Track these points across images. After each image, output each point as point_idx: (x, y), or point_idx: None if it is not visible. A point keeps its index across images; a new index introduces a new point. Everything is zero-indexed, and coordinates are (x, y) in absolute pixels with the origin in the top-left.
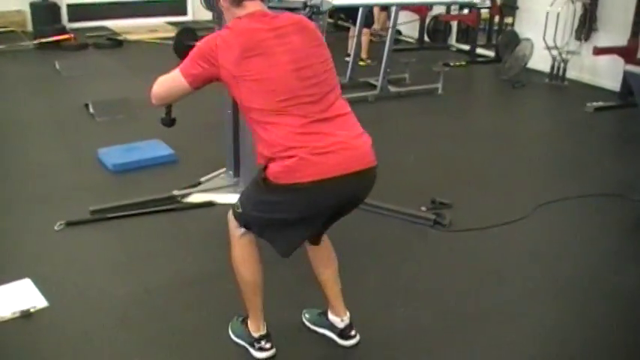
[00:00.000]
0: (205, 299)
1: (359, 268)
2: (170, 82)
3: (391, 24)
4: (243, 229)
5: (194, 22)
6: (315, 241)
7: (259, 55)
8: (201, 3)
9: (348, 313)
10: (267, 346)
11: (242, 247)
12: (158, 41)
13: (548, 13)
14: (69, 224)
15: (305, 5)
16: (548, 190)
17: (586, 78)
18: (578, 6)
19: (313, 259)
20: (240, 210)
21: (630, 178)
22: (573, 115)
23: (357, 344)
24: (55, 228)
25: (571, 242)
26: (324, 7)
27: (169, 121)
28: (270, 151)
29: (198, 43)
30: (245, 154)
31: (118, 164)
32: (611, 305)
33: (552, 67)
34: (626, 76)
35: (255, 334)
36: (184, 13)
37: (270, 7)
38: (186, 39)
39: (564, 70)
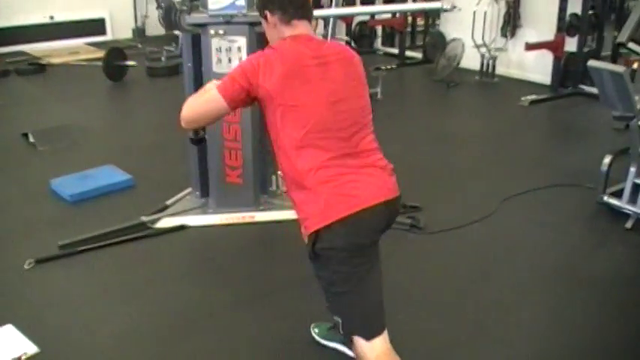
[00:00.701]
0: (198, 328)
1: None
2: (205, 103)
3: (330, 32)
4: (363, 341)
5: (114, 41)
6: None
7: (299, 81)
8: (159, 21)
9: None
10: None
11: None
12: (84, 63)
13: (475, 12)
14: (39, 261)
15: None
16: (507, 185)
17: (514, 73)
18: (502, 4)
19: None
20: (340, 319)
21: (580, 167)
22: (511, 110)
23: None
24: (25, 267)
25: (541, 233)
26: None
27: (198, 141)
28: (297, 180)
29: (240, 62)
30: (214, 174)
31: (76, 194)
32: (594, 291)
33: (482, 65)
34: (589, 71)
35: None
36: (103, 32)
37: (230, 23)
38: (115, 59)
39: (494, 67)
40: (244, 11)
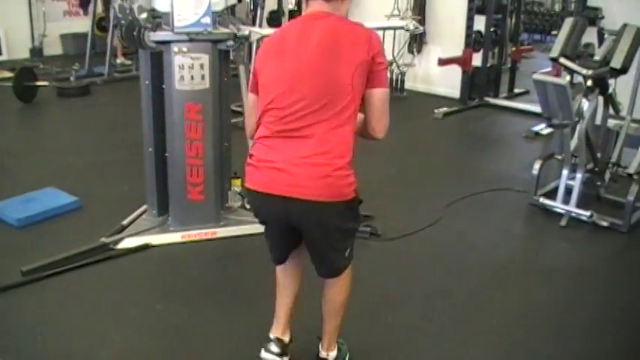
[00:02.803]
0: (195, 345)
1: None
2: (246, 105)
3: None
4: None
5: (9, 61)
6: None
7: (273, 55)
8: (119, 38)
9: (332, 354)
10: (275, 350)
11: None
12: None
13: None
14: (3, 290)
15: (235, 36)
16: (446, 192)
17: (421, 87)
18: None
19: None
20: None
21: (502, 172)
22: (427, 122)
23: None
24: None
25: (487, 234)
26: (253, 38)
27: None
28: None
29: None
30: (174, 191)
31: (23, 218)
32: (547, 282)
33: (391, 80)
34: (533, 83)
35: (270, 335)
36: None
37: (194, 40)
38: (25, 79)
39: (402, 82)
40: (209, 29)
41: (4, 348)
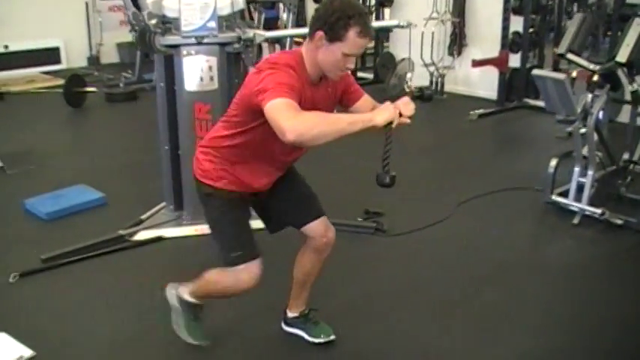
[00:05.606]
0: None
1: (329, 281)
2: None
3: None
4: None
5: (68, 69)
6: None
7: None
8: (135, 43)
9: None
10: None
11: None
12: (44, 90)
13: (423, 33)
14: (23, 275)
15: (239, 39)
16: (463, 190)
17: (461, 89)
18: (448, 25)
19: None
20: None
21: (527, 172)
22: (461, 123)
23: None
24: (10, 280)
25: (495, 231)
26: (258, 40)
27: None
28: None
29: None
30: (188, 188)
31: (52, 212)
32: (548, 279)
33: (431, 82)
34: (533, 79)
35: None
36: (58, 61)
37: (201, 43)
38: (75, 86)
39: (442, 84)
40: (215, 32)
41: (15, 325)
